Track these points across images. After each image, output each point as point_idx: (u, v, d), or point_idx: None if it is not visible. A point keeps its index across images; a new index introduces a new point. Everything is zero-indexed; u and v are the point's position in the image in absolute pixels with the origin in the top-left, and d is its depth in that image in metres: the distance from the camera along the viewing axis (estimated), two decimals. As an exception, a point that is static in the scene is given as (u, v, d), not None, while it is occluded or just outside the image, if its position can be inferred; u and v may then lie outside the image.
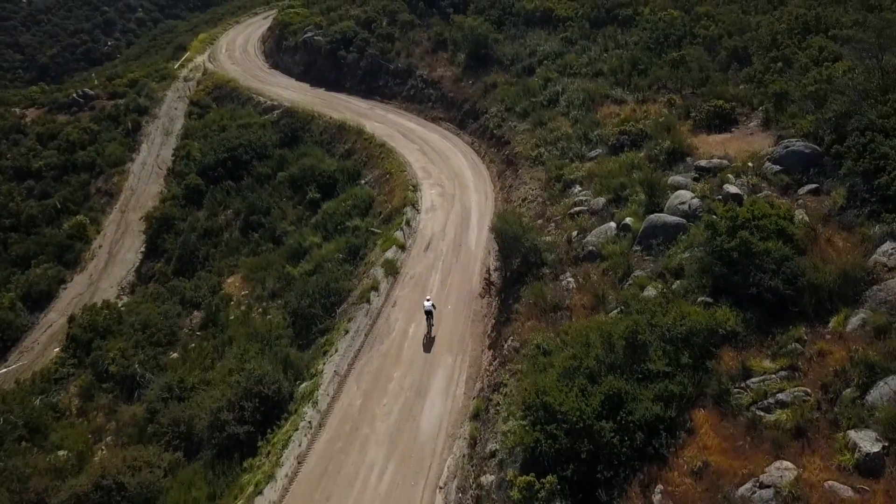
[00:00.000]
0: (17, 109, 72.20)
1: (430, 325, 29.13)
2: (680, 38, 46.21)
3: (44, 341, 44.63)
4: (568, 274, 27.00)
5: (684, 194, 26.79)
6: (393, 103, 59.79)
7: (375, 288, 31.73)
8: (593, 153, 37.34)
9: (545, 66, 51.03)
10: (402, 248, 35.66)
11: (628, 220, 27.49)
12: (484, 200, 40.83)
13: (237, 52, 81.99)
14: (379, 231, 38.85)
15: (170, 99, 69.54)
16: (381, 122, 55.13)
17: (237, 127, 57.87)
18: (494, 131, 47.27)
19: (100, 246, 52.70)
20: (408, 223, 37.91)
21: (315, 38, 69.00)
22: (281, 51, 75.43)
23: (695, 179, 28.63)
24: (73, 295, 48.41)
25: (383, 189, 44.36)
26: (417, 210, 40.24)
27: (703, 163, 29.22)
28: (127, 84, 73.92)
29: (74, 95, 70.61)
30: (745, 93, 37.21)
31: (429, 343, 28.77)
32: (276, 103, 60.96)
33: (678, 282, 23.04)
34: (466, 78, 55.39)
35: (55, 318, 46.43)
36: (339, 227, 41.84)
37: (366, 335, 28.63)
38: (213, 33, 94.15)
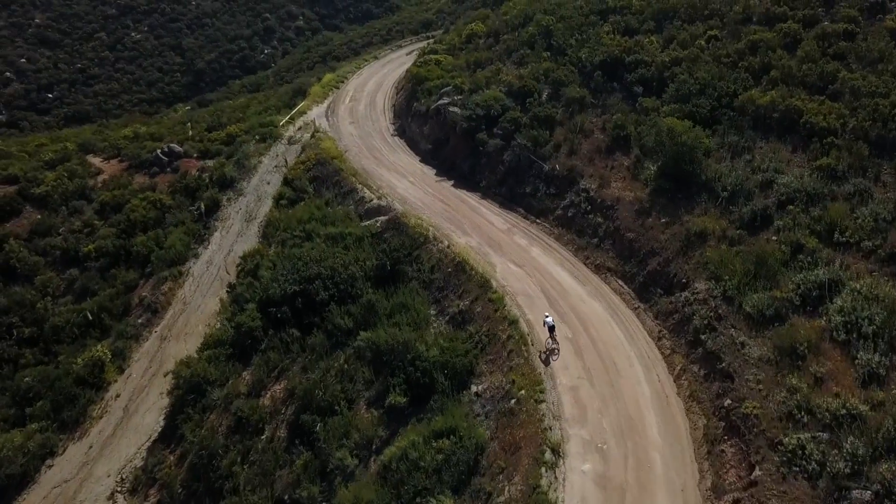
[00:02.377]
0: (98, 160, 60.90)
1: (553, 338, 29.99)
2: None
3: (-11, 567, 30.76)
4: None
5: None
6: (541, 224, 41.70)
7: None
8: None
9: (791, 215, 31.50)
10: None
11: None
12: (682, 516, 22.05)
13: (361, 105, 66.93)
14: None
15: (264, 168, 55.29)
16: (520, 262, 37.30)
17: (325, 239, 42.13)
18: (702, 335, 28.19)
19: (116, 395, 38.52)
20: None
21: (451, 108, 52.20)
22: (410, 113, 59.37)
23: None
24: (56, 482, 34.18)
25: (502, 431, 26.42)
26: (555, 522, 22.07)
27: None
28: (223, 140, 60.74)
29: (159, 152, 58.13)
30: None
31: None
32: (383, 204, 44.61)
33: None
34: (656, 208, 36.41)
35: (19, 522, 32.56)
36: (416, 501, 24.61)
37: None
38: (343, 72, 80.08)
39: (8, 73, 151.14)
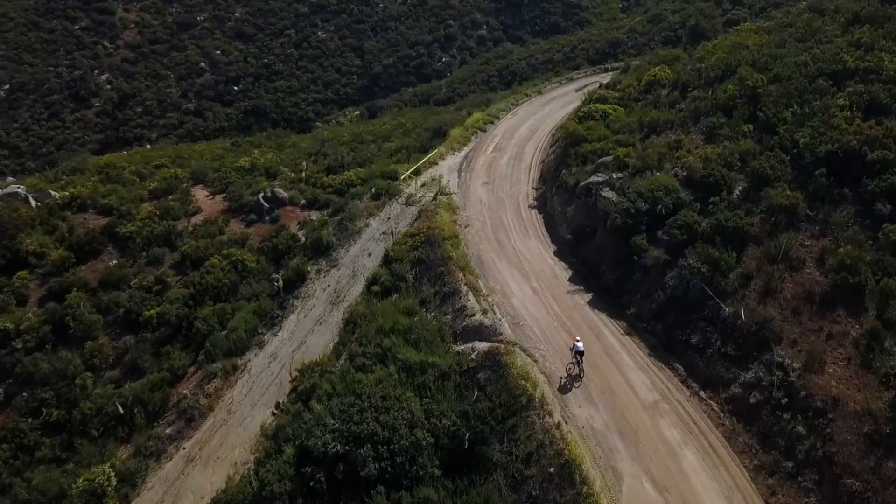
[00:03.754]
0: (204, 194, 54.25)
1: (579, 365, 29.38)
2: None
3: None
4: None
5: None
6: (707, 403, 28.20)
7: None
8: None
9: None
10: None
11: None
12: None
13: (504, 158, 55.39)
14: None
15: (369, 234, 45.55)
16: (662, 481, 24.28)
17: (400, 367, 31.34)
18: None
19: (109, 541, 30.34)
20: None
21: (603, 191, 39.47)
22: (556, 182, 47.08)
23: None
24: None
25: None
26: None
27: None
28: (337, 187, 51.87)
29: (260, 197, 50.25)
30: None
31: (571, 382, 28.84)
32: (487, 324, 33.03)
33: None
34: (900, 437, 22.08)
35: None
36: None
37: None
38: (496, 109, 68.87)
39: (202, 64, 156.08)
